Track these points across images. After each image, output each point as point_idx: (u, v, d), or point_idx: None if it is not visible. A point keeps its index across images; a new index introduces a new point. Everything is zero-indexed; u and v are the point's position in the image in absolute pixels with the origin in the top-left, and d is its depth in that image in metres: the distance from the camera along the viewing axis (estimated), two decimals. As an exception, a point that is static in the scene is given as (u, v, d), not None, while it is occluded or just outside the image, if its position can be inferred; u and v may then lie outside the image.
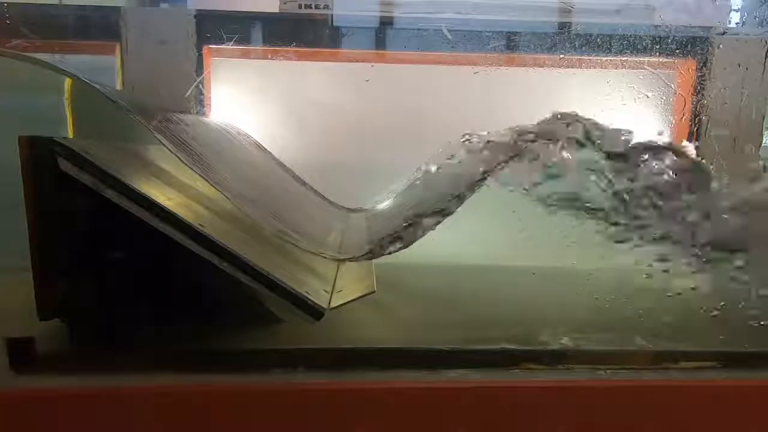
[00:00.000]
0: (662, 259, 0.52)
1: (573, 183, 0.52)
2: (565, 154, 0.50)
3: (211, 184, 0.50)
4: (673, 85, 0.83)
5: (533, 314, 0.58)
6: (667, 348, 0.50)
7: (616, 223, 0.51)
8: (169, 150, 0.50)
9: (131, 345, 0.49)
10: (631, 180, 0.50)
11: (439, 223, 0.51)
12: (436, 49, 0.84)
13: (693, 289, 0.52)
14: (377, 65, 0.85)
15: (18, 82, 0.75)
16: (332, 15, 0.84)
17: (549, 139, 0.50)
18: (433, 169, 0.69)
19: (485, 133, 0.60)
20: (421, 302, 0.63)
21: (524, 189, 0.53)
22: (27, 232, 0.45)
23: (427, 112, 0.86)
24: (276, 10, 0.84)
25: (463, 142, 0.63)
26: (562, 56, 0.82)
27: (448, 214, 0.51)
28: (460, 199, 0.51)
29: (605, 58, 0.81)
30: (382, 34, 0.85)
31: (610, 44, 0.81)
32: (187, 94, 0.81)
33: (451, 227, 0.52)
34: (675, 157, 0.49)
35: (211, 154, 0.59)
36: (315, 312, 0.48)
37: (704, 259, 0.50)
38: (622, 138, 0.49)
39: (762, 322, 0.51)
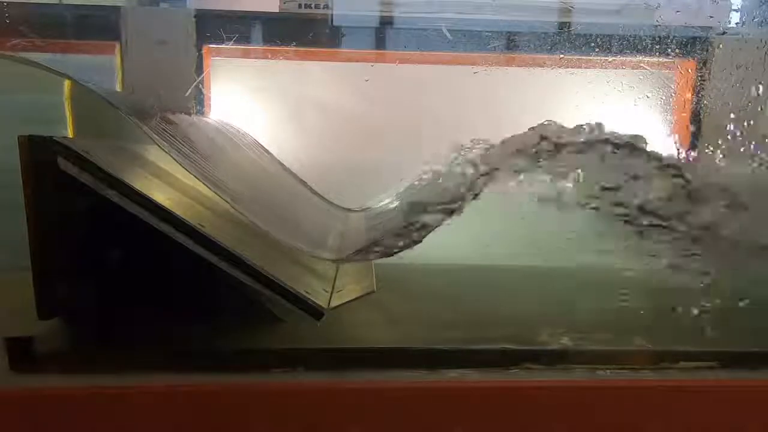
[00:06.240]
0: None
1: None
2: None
3: (209, 187, 0.50)
4: (673, 85, 0.82)
5: (533, 314, 0.58)
6: (667, 348, 0.50)
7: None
8: (166, 152, 0.50)
9: (131, 345, 0.49)
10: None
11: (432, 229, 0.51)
12: (436, 49, 0.84)
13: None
14: (377, 65, 0.85)
15: (17, 81, 0.75)
16: (332, 15, 0.84)
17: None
18: (436, 171, 0.69)
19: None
20: (421, 302, 0.63)
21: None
22: (26, 232, 0.45)
23: (427, 112, 0.86)
24: (276, 9, 0.85)
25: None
26: (562, 56, 0.82)
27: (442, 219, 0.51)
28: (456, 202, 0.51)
29: (605, 58, 0.81)
30: (382, 34, 0.85)
31: (610, 44, 0.81)
32: (187, 93, 0.81)
33: (452, 227, 0.52)
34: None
35: (210, 155, 0.59)
36: (315, 312, 0.48)
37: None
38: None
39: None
